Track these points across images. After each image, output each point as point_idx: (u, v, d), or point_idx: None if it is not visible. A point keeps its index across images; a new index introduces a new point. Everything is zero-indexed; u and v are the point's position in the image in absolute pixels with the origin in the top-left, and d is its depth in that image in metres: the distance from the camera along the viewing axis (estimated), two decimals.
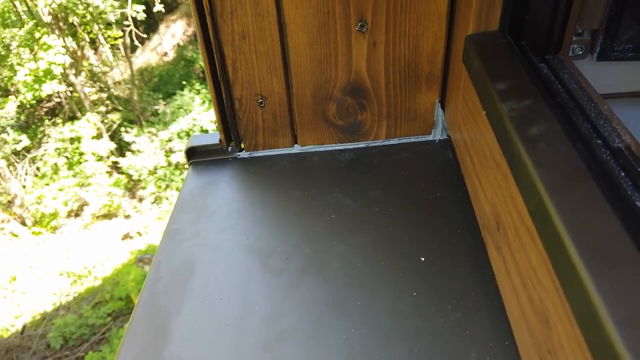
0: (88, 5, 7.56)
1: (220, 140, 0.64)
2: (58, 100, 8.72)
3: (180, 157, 7.57)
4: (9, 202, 7.72)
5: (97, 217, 7.55)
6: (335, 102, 0.61)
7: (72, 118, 8.22)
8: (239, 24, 0.54)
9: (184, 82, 8.44)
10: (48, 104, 8.86)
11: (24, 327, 5.91)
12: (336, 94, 0.60)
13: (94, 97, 8.89)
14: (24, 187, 7.75)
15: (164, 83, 8.92)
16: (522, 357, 0.37)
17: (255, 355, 0.40)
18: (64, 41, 7.91)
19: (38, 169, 7.91)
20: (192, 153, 0.65)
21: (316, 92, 0.60)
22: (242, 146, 0.64)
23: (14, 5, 7.93)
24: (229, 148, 0.64)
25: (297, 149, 0.65)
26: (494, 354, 0.38)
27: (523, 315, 0.35)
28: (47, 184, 7.55)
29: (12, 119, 8.04)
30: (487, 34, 0.45)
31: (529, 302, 0.33)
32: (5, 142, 7.80)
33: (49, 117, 8.55)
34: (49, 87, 7.20)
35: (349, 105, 0.61)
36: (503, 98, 0.36)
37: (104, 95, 8.97)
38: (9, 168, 7.65)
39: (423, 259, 0.47)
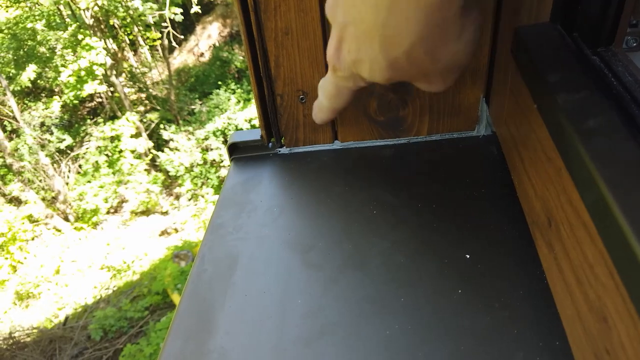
0: (128, 8, 7.78)
1: (262, 136, 0.64)
2: (99, 100, 9.02)
3: (216, 155, 7.70)
4: (53, 198, 8.04)
5: (136, 214, 7.77)
6: (377, 97, 0.60)
7: (113, 117, 8.48)
8: (282, 20, 0.55)
9: (219, 82, 8.58)
10: (90, 104, 9.18)
11: (66, 318, 6.15)
12: (377, 89, 0.59)
13: (134, 97, 9.16)
14: (67, 184, 8.05)
15: (200, 83, 9.10)
16: (575, 357, 0.35)
17: (298, 349, 0.40)
18: (105, 43, 8.17)
19: (80, 166, 8.21)
20: (234, 149, 0.66)
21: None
22: (283, 142, 0.65)
23: (59, 9, 8.24)
24: (270, 144, 0.65)
25: (337, 144, 0.64)
26: (544, 355, 0.37)
27: (577, 314, 0.34)
28: (88, 181, 7.82)
29: (57, 118, 8.37)
30: (539, 25, 0.44)
31: (584, 300, 0.32)
32: (50, 141, 8.12)
33: (91, 117, 8.86)
34: (91, 87, 7.45)
35: (391, 100, 0.60)
36: (557, 90, 0.35)
37: (143, 95, 9.23)
38: (53, 166, 7.97)
39: (468, 256, 0.46)
